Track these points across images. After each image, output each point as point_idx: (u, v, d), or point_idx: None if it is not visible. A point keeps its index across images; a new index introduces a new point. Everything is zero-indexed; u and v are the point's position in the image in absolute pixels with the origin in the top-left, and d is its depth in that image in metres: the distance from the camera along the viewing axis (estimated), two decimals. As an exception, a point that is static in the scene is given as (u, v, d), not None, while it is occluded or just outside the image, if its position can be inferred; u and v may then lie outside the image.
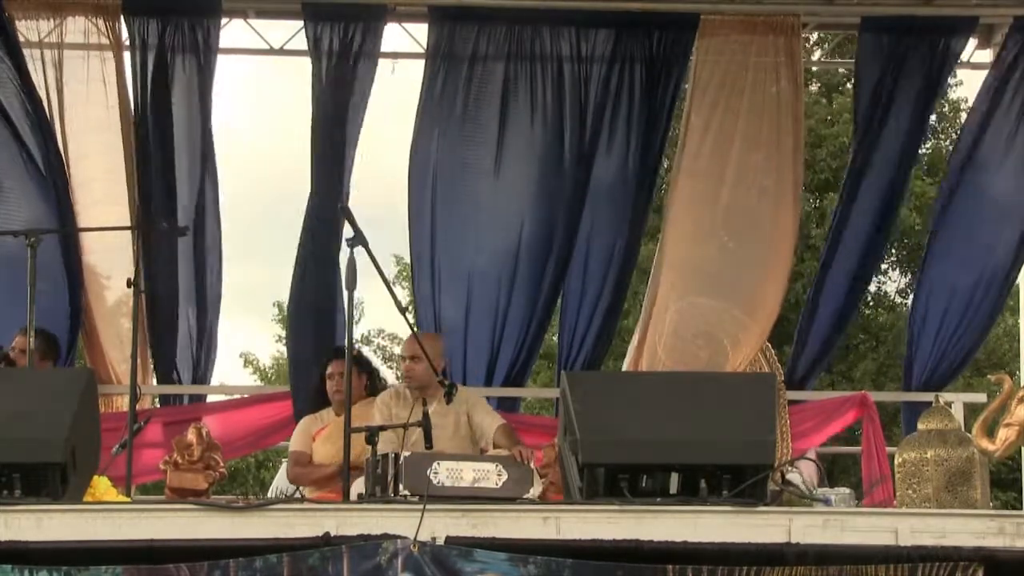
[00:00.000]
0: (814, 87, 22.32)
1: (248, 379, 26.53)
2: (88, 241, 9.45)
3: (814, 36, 13.32)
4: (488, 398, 8.56)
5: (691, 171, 9.71)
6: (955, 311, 9.66)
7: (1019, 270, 9.95)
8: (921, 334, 9.69)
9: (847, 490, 7.67)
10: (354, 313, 6.67)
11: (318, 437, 7.59)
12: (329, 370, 7.80)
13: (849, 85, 18.14)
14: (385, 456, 5.72)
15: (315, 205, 9.41)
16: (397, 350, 24.98)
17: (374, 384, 7.78)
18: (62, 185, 9.30)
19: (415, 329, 7.33)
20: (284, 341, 26.72)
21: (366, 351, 20.51)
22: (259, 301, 39.06)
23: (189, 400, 9.56)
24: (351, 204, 9.37)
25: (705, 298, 9.61)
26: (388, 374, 19.78)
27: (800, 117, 9.73)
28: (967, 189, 9.81)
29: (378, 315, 26.66)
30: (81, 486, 5.70)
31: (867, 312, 21.25)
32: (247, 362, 26.82)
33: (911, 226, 21.32)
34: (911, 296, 22.59)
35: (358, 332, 25.11)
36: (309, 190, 9.48)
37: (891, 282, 22.66)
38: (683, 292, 9.62)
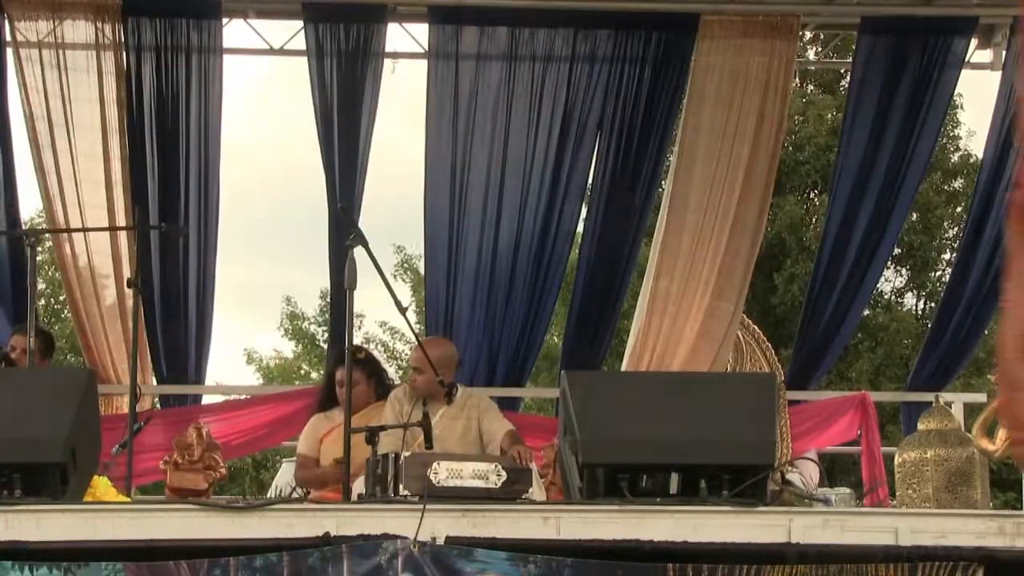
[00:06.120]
0: (809, 87, 22.31)
1: (251, 376, 26.59)
2: (87, 241, 9.45)
3: (808, 34, 13.33)
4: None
5: (689, 171, 9.72)
6: (963, 310, 9.74)
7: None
8: (938, 335, 9.80)
9: (847, 490, 7.68)
10: (355, 322, 6.60)
11: (326, 439, 7.54)
12: (339, 376, 7.71)
13: (844, 83, 18.13)
14: (385, 456, 5.71)
15: (331, 205, 9.49)
16: (399, 346, 24.99)
17: (383, 387, 7.71)
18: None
19: (419, 337, 7.27)
20: (291, 335, 26.86)
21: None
22: (259, 300, 39.09)
23: (189, 400, 9.57)
24: (366, 203, 9.53)
25: (703, 296, 9.62)
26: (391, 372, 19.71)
27: (783, 118, 9.77)
28: (974, 190, 9.92)
29: (377, 315, 26.67)
30: (81, 486, 5.69)
31: (864, 312, 21.20)
32: (250, 359, 26.89)
33: (909, 227, 21.28)
34: (907, 294, 22.83)
35: (360, 338, 25.11)
36: (319, 190, 9.55)
37: (887, 282, 22.62)
38: (681, 291, 9.64)
